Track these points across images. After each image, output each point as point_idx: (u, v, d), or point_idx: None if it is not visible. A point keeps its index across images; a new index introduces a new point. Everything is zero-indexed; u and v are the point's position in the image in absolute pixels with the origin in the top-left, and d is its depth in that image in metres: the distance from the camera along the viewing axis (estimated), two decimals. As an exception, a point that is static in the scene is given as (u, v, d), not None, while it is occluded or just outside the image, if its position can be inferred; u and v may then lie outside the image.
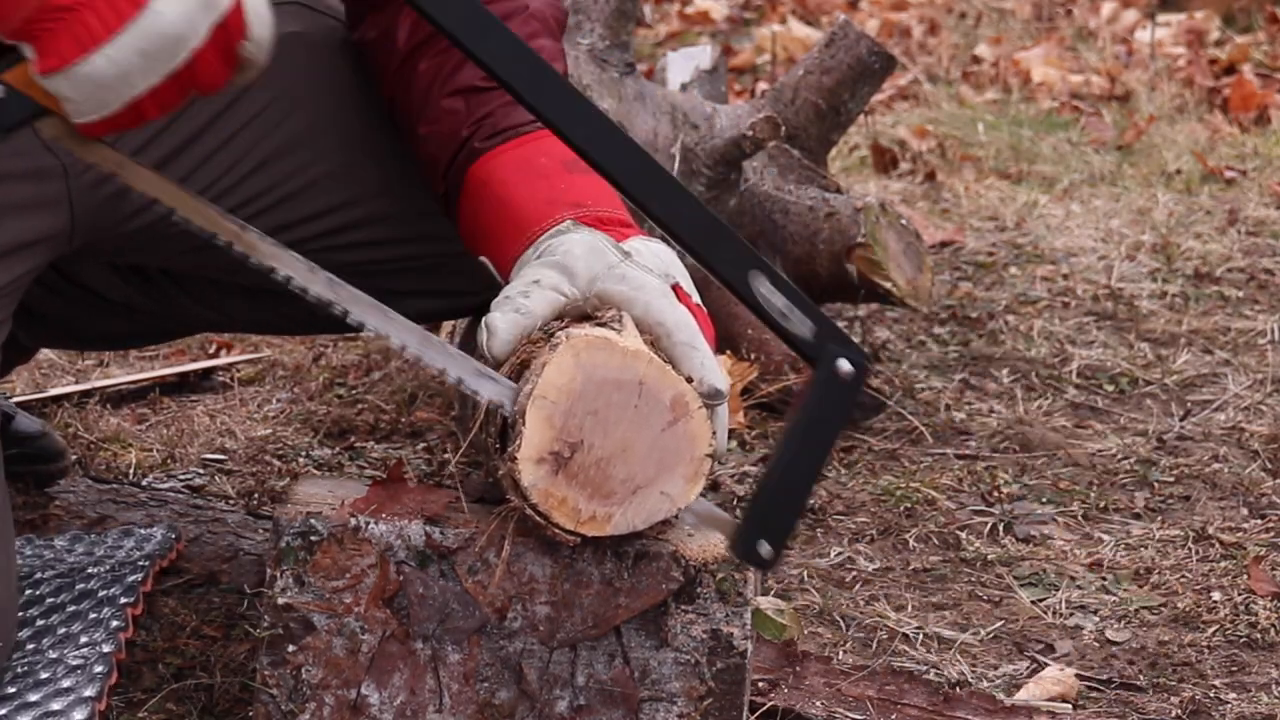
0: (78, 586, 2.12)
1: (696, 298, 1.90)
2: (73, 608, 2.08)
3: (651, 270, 1.87)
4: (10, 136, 1.73)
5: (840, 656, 2.28)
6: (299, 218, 2.08)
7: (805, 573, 2.54)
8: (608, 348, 1.71)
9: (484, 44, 1.73)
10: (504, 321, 1.81)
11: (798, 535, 2.85)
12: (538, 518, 1.72)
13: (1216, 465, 3.00)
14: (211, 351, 3.35)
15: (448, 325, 3.04)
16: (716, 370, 1.80)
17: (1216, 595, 2.52)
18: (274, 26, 1.72)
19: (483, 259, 1.96)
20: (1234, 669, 2.33)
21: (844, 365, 1.74)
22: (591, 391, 1.71)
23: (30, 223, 1.95)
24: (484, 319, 1.84)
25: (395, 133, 2.11)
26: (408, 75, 2.05)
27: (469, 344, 2.54)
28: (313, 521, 1.78)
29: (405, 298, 2.18)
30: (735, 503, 2.77)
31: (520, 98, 1.75)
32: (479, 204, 1.98)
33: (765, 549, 1.75)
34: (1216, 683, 2.29)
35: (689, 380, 1.76)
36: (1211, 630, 2.43)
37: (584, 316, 1.83)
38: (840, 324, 3.54)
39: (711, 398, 1.78)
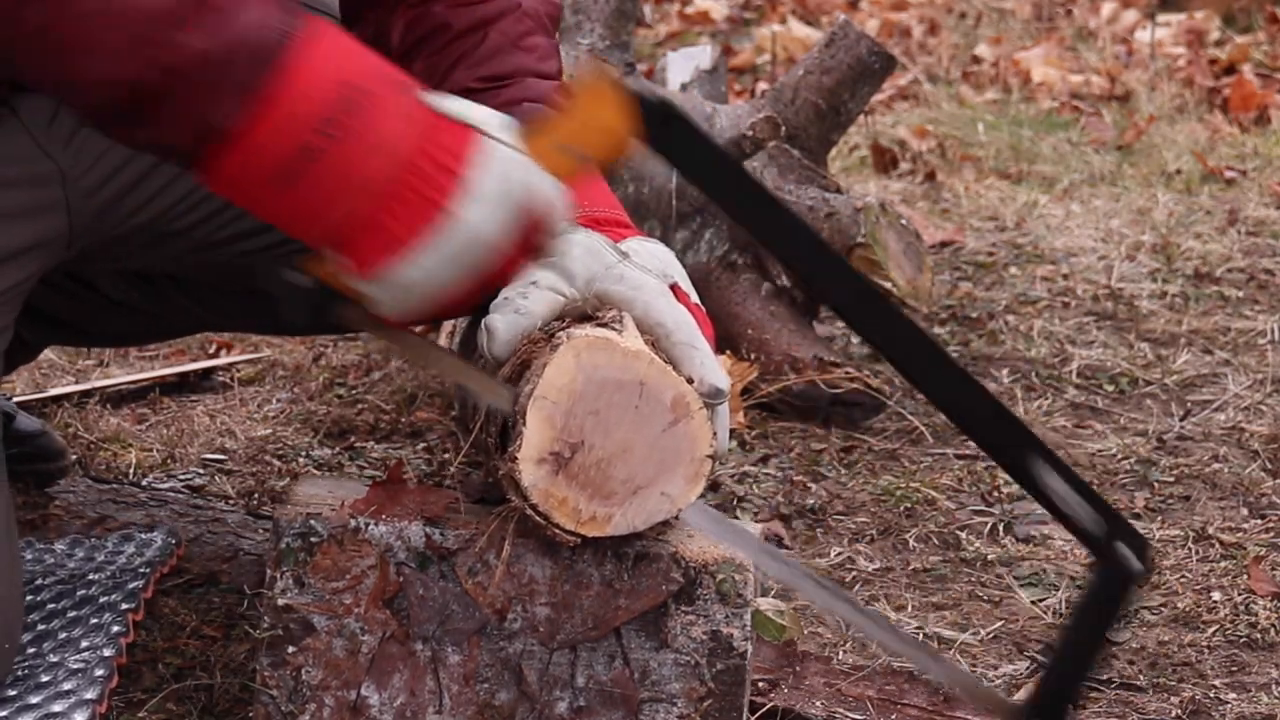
0: (78, 593, 2.12)
1: (695, 297, 1.90)
2: (73, 613, 2.08)
3: (650, 270, 1.87)
4: (317, 324, 1.72)
5: (840, 656, 2.28)
6: None
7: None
8: (608, 348, 1.71)
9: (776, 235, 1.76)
10: (503, 322, 1.81)
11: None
12: (538, 518, 1.72)
13: (1216, 465, 3.00)
14: (211, 351, 3.35)
15: (448, 325, 3.04)
16: (717, 369, 1.81)
17: (1216, 595, 2.52)
18: (567, 208, 1.72)
19: None
20: (1234, 669, 2.33)
21: (1131, 560, 1.76)
22: (592, 392, 1.71)
23: (29, 228, 1.95)
24: (483, 320, 1.84)
25: None
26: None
27: (469, 344, 2.54)
28: (313, 522, 1.78)
29: None
30: (736, 503, 2.77)
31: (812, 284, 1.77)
32: None
33: None
34: (1216, 683, 2.29)
35: (689, 380, 1.76)
36: (1211, 630, 2.43)
37: (585, 317, 1.83)
38: (841, 324, 3.54)
39: (712, 397, 1.78)
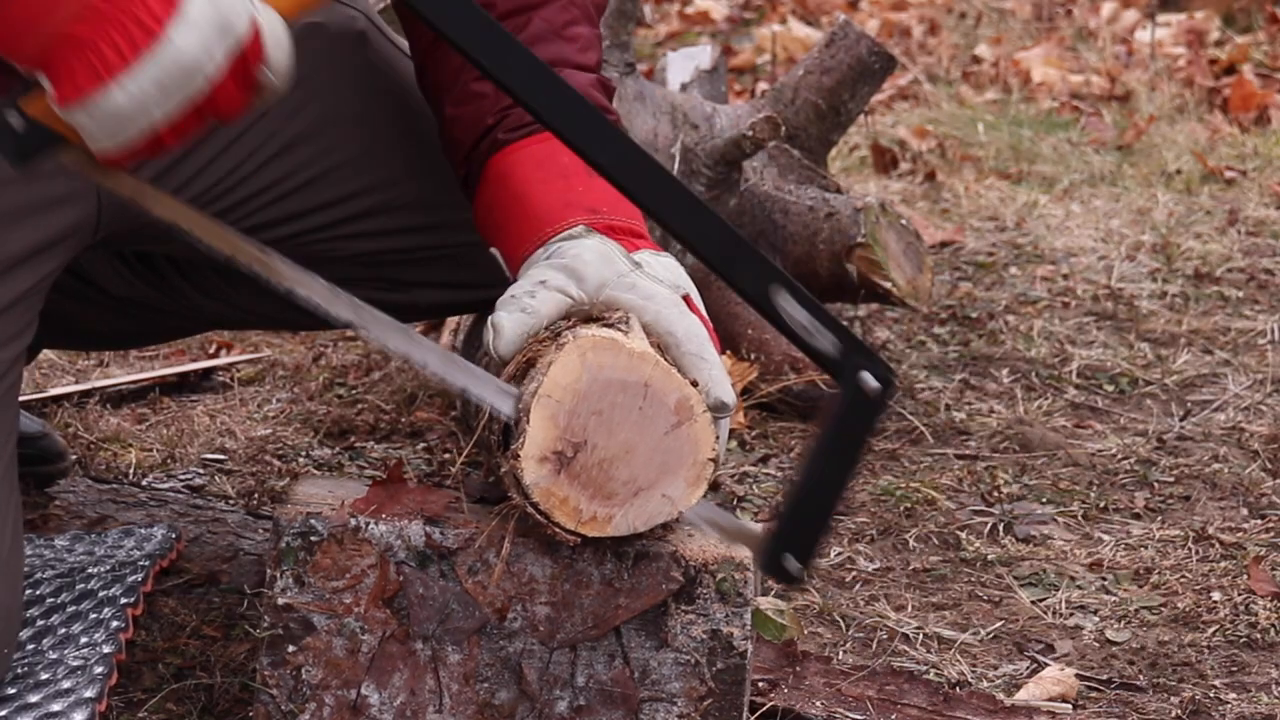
0: (78, 586, 2.12)
1: (704, 312, 1.90)
2: (73, 608, 2.07)
3: (662, 281, 1.87)
4: (30, 167, 1.72)
5: (840, 656, 2.28)
6: (314, 205, 2.09)
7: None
8: (614, 349, 1.71)
9: (481, 45, 1.73)
10: (510, 321, 1.81)
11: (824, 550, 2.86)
12: (539, 517, 1.72)
13: (1216, 465, 3.00)
14: (211, 351, 3.35)
15: (451, 322, 3.04)
16: (725, 383, 1.80)
17: (1216, 595, 2.52)
18: (292, 50, 1.71)
19: (494, 251, 1.96)
20: (1234, 669, 2.33)
21: (869, 380, 1.74)
22: (596, 392, 1.71)
23: (61, 217, 1.95)
24: (490, 318, 1.84)
25: (415, 120, 2.10)
26: (439, 52, 2.04)
27: (474, 342, 2.54)
28: (313, 522, 1.78)
29: (417, 288, 2.18)
30: (736, 503, 2.77)
31: (526, 104, 1.75)
32: (496, 196, 1.98)
33: (792, 564, 1.75)
34: (1216, 683, 2.29)
35: (694, 385, 1.75)
36: (1211, 630, 2.43)
37: (591, 318, 1.83)
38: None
39: (718, 410, 1.77)
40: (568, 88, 1.74)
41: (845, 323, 1.75)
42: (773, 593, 2.42)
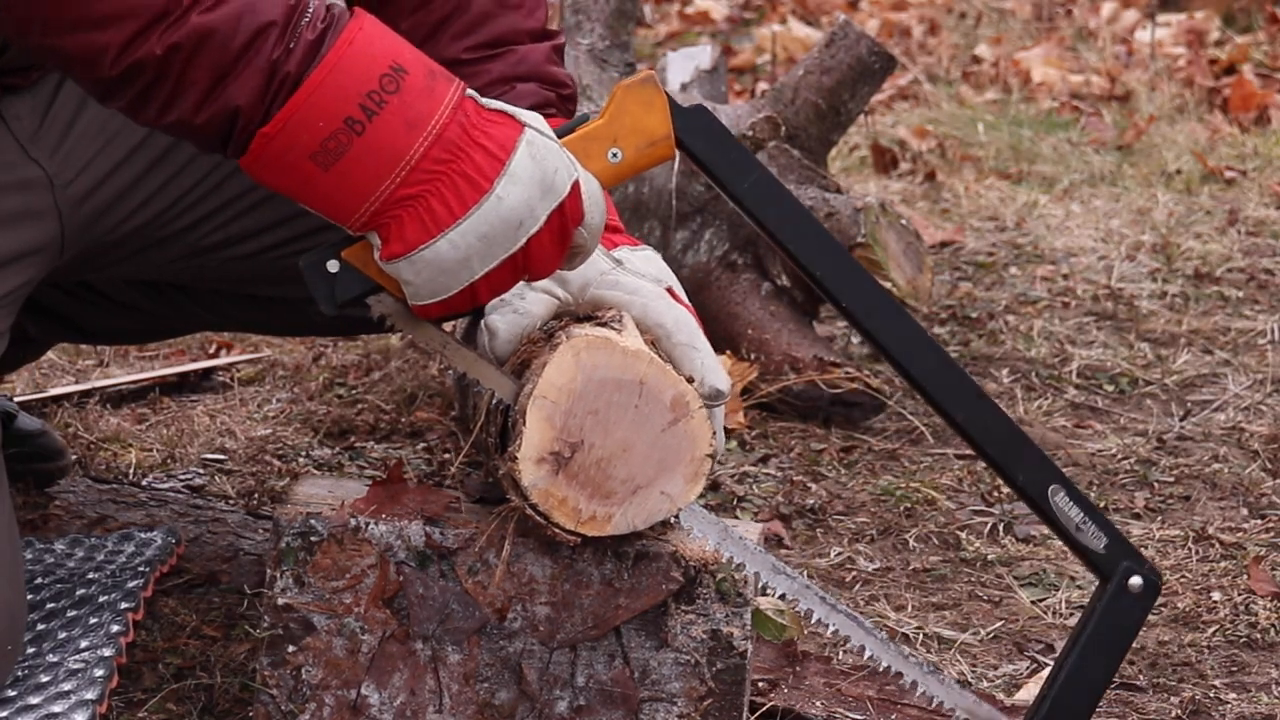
0: (78, 592, 2.12)
1: (687, 301, 1.90)
2: (72, 613, 2.07)
3: (644, 275, 1.87)
4: (342, 310, 1.72)
5: (840, 656, 2.28)
6: (283, 216, 2.08)
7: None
8: (608, 347, 1.71)
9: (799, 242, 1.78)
10: (504, 322, 1.82)
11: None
12: (538, 518, 1.72)
13: (1216, 465, 3.00)
14: (211, 351, 3.35)
15: (446, 326, 3.04)
16: (718, 370, 1.81)
17: (1216, 595, 2.52)
18: (605, 214, 1.73)
19: None
20: (1234, 669, 2.33)
21: (1135, 580, 1.78)
22: (592, 391, 1.71)
23: (21, 235, 1.95)
24: (483, 322, 1.84)
25: None
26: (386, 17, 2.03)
27: (469, 345, 2.54)
28: (313, 522, 1.78)
29: None
30: (736, 503, 2.77)
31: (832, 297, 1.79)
32: None
33: None
34: (1216, 683, 2.29)
35: (690, 380, 1.76)
36: (1211, 630, 2.43)
37: (584, 317, 1.83)
38: (841, 323, 3.54)
39: (713, 398, 1.78)
40: (861, 270, 1.78)
41: (1114, 525, 1.79)
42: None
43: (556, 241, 1.69)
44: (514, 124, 1.67)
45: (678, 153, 1.77)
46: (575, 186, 1.68)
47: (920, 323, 1.79)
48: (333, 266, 1.70)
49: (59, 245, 1.99)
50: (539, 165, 1.66)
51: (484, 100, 1.68)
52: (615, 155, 1.75)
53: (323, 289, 1.70)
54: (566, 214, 1.68)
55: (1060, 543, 1.82)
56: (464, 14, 2.01)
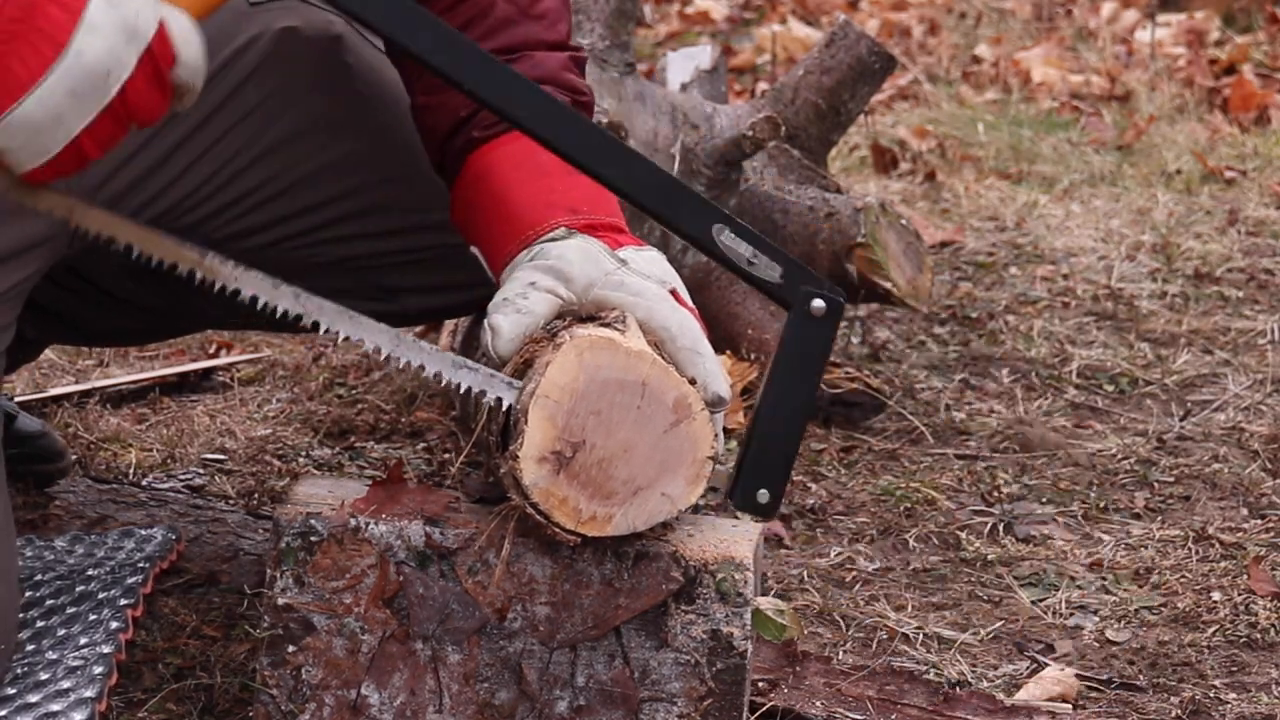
0: (77, 588, 2.12)
1: (691, 304, 1.90)
2: (72, 609, 2.07)
3: (649, 276, 1.87)
4: None
5: (840, 656, 2.28)
6: (296, 210, 2.08)
7: (805, 573, 2.54)
8: (611, 348, 1.71)
9: (419, 39, 1.75)
10: (507, 321, 1.82)
11: (791, 480, 2.85)
12: (538, 517, 1.72)
13: (1216, 465, 3.00)
14: (211, 351, 3.35)
15: (449, 324, 3.04)
16: (720, 376, 1.80)
17: (1216, 595, 2.52)
18: (203, 48, 1.71)
19: (474, 249, 1.96)
20: (1234, 669, 2.33)
21: (817, 302, 1.76)
22: (594, 391, 1.71)
23: (30, 226, 1.95)
24: (485, 320, 1.84)
25: (394, 122, 2.10)
26: None
27: (471, 345, 2.54)
28: (313, 522, 1.78)
29: (404, 294, 2.18)
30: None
31: (460, 86, 1.77)
32: (476, 196, 1.97)
33: (764, 495, 1.77)
34: (1216, 683, 2.29)
35: (692, 383, 1.75)
36: (1211, 630, 2.42)
37: (589, 317, 1.83)
38: (841, 324, 3.53)
39: (714, 404, 1.78)
40: (485, 55, 1.76)
41: (788, 252, 1.77)
42: (773, 592, 2.42)
43: (153, 85, 1.68)
44: None
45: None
46: (162, 26, 1.67)
47: (551, 95, 1.79)
48: None
49: (68, 235, 2.00)
50: (117, 10, 1.65)
51: None
52: None
53: None
54: (157, 56, 1.67)
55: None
56: (485, 19, 2.02)
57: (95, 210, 1.79)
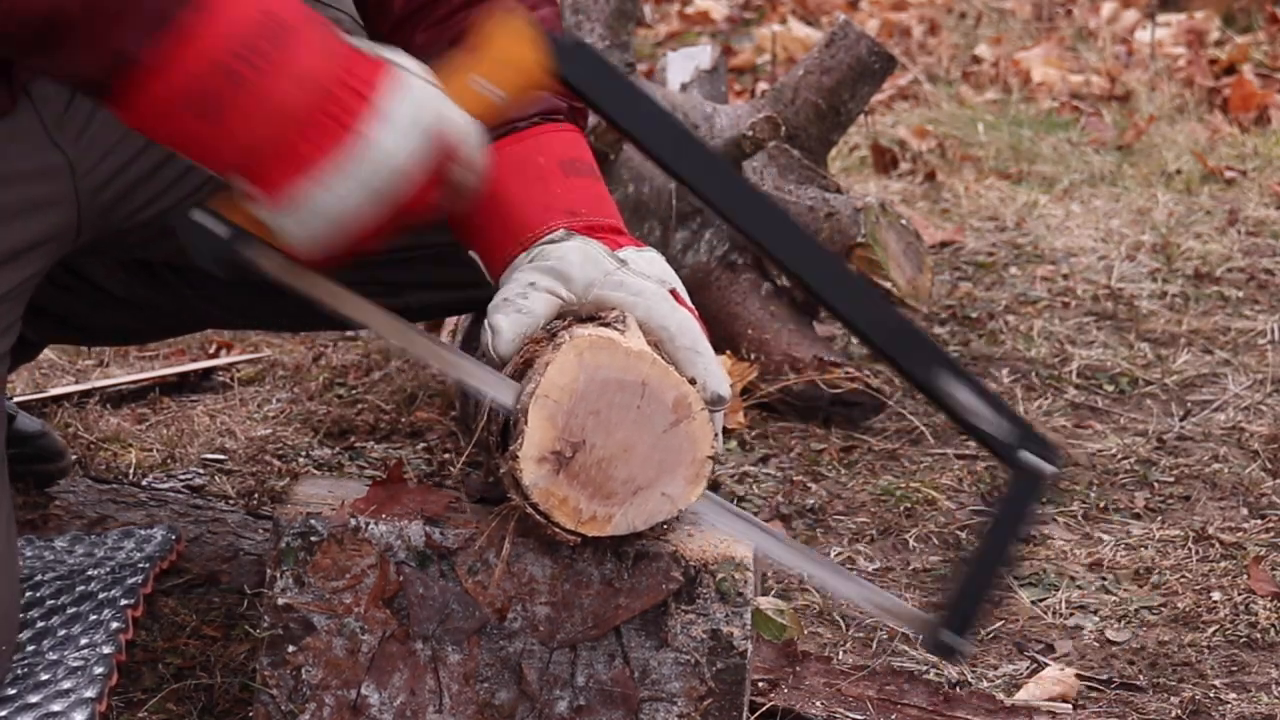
0: (78, 588, 2.12)
1: (691, 304, 1.90)
2: (73, 609, 2.07)
3: (648, 276, 1.87)
4: (232, 273, 1.71)
5: (840, 656, 2.28)
6: None
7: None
8: (611, 348, 1.71)
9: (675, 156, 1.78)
10: (507, 321, 1.82)
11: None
12: (538, 517, 1.72)
13: (1216, 465, 3.00)
14: (211, 351, 3.35)
15: (449, 323, 3.05)
16: (720, 375, 1.81)
17: (1216, 595, 2.52)
18: (485, 150, 1.72)
19: (471, 254, 1.96)
20: (1234, 669, 2.33)
21: (1039, 463, 1.79)
22: (594, 391, 1.71)
23: (39, 222, 1.95)
24: (486, 320, 1.84)
25: None
26: (401, 44, 2.04)
27: (472, 344, 2.54)
28: (313, 522, 1.78)
29: (408, 290, 2.18)
30: (736, 502, 2.77)
31: (718, 212, 1.79)
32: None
33: (955, 640, 1.80)
34: (1216, 683, 2.29)
35: (691, 383, 1.75)
36: (1211, 630, 2.43)
37: (588, 317, 1.83)
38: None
39: (714, 404, 1.78)
40: (763, 199, 1.79)
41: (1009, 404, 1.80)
42: (773, 592, 2.42)
43: (434, 182, 1.69)
44: (383, 64, 1.66)
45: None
46: (449, 125, 1.67)
47: (800, 226, 1.81)
48: (218, 227, 1.68)
49: (74, 232, 2.00)
50: (410, 106, 1.65)
51: (356, 41, 1.68)
52: (491, 90, 1.72)
53: (209, 248, 1.69)
54: (442, 154, 1.68)
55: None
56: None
57: (357, 299, 1.78)
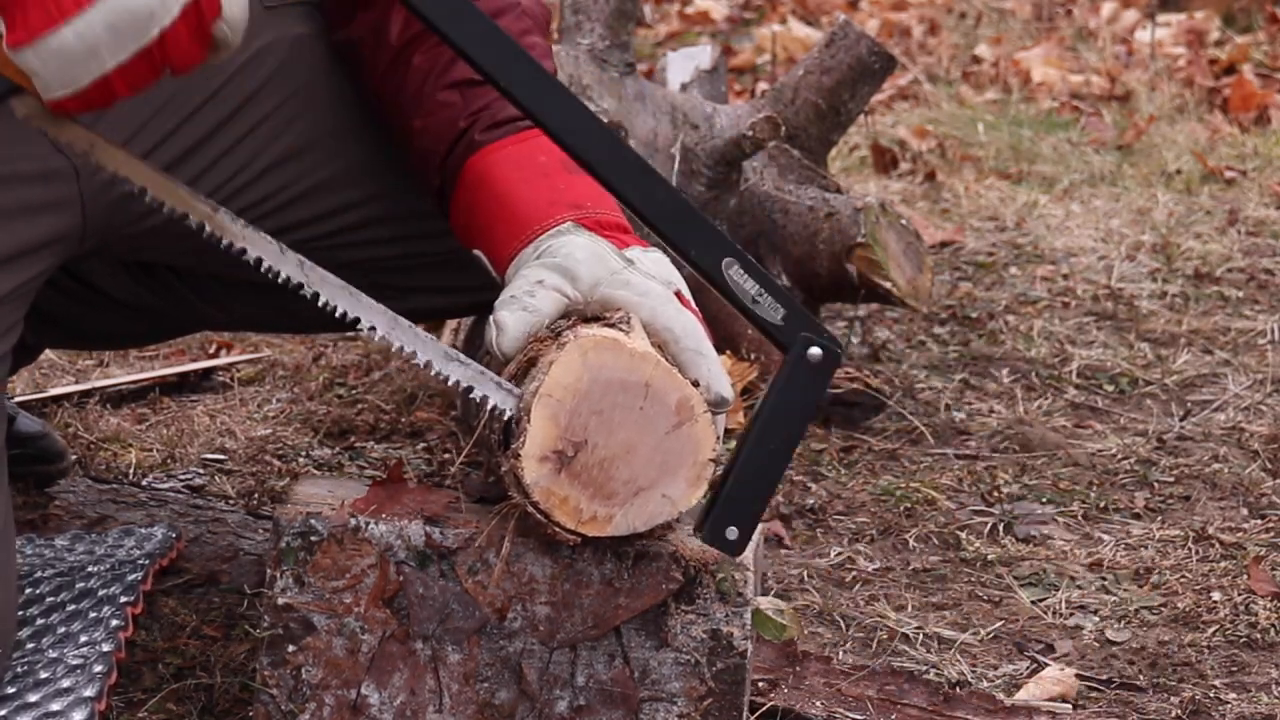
0: (78, 585, 2.12)
1: (695, 306, 1.91)
2: (72, 607, 2.07)
3: (654, 277, 1.87)
4: None
5: (840, 656, 2.28)
6: (310, 217, 2.08)
7: (805, 573, 2.54)
8: (615, 348, 1.71)
9: (466, 34, 1.75)
10: (512, 319, 1.82)
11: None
12: (539, 516, 1.72)
13: (1216, 465, 3.00)
14: (211, 351, 3.35)
15: (451, 323, 3.04)
16: (723, 378, 1.81)
17: (1216, 595, 2.52)
18: (248, 6, 1.71)
19: (477, 253, 1.96)
20: (1234, 669, 2.33)
21: (814, 350, 1.75)
22: (597, 391, 1.71)
23: (42, 225, 1.95)
24: (491, 317, 1.84)
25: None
26: (400, 71, 2.04)
27: (476, 343, 2.54)
28: (313, 521, 1.78)
29: (414, 294, 2.18)
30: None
31: (499, 86, 1.76)
32: (476, 198, 1.98)
33: (733, 533, 1.76)
34: (1216, 683, 2.29)
35: (695, 385, 1.76)
36: (1211, 630, 2.43)
37: (593, 317, 1.83)
38: (840, 324, 3.54)
39: (717, 405, 1.78)
40: (530, 61, 1.76)
41: (793, 296, 1.77)
42: (773, 592, 2.42)
43: (194, 35, 1.68)
44: None
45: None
46: None
47: (585, 104, 1.79)
48: None
49: (80, 235, 2.00)
50: None
51: None
52: None
53: None
54: (203, 7, 1.67)
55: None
56: None
57: (114, 148, 1.79)
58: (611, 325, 1.78)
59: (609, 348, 1.71)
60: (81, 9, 1.64)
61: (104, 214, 2.00)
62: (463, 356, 1.80)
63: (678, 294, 1.87)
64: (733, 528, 1.76)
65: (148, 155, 1.97)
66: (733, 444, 2.64)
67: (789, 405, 1.76)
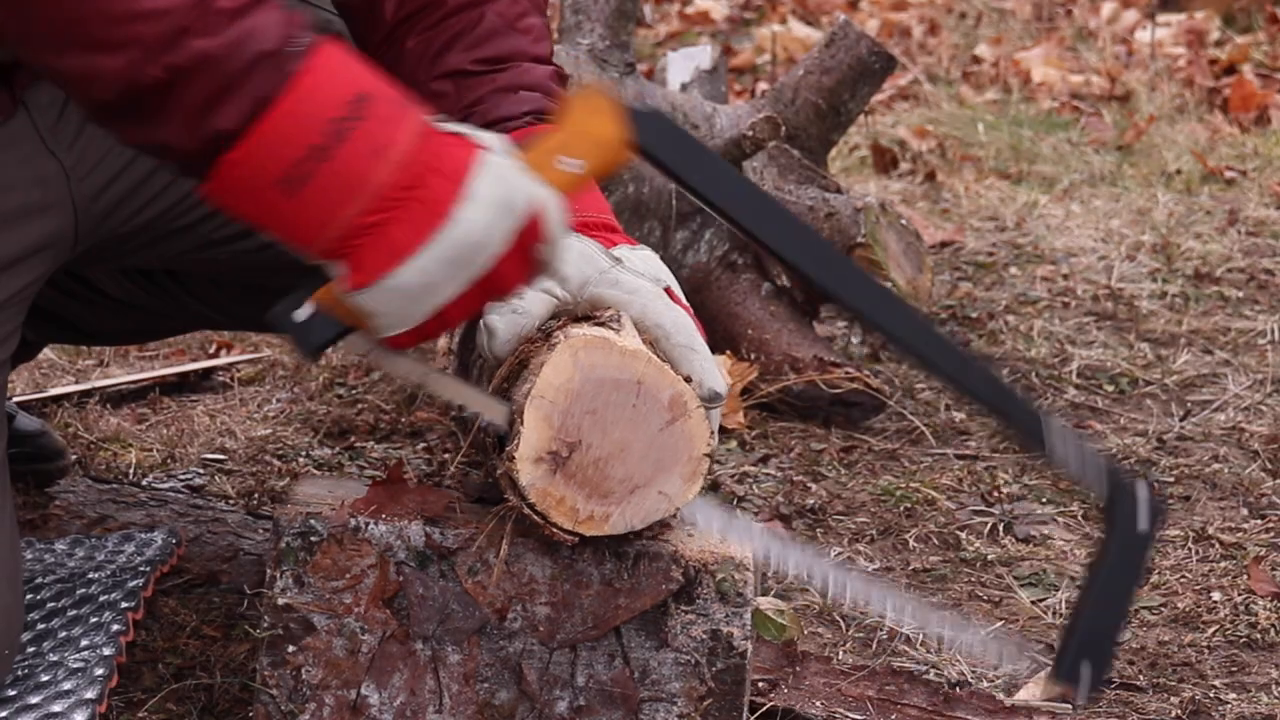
0: (78, 591, 2.12)
1: (686, 302, 1.91)
2: (73, 612, 2.08)
3: (643, 274, 1.87)
4: (317, 358, 1.72)
5: (840, 656, 2.28)
6: None
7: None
8: (606, 347, 1.71)
9: (762, 224, 1.77)
10: (503, 322, 1.82)
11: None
12: (536, 517, 1.72)
13: (1216, 465, 3.00)
14: (211, 351, 3.35)
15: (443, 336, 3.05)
16: (715, 372, 1.81)
17: (1216, 595, 2.52)
18: (565, 224, 1.72)
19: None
20: (1234, 669, 2.33)
21: (1140, 523, 1.77)
22: (589, 391, 1.71)
23: (37, 228, 1.95)
24: (482, 321, 1.84)
25: None
26: (394, 51, 2.04)
27: (468, 345, 2.54)
28: (313, 522, 1.78)
29: None
30: (736, 503, 2.77)
31: (808, 278, 1.78)
32: None
33: (1086, 670, 1.79)
34: (1216, 683, 2.29)
35: (687, 380, 1.76)
36: (1211, 630, 2.43)
37: (583, 317, 1.83)
38: (840, 324, 3.54)
39: (710, 400, 1.78)
40: (849, 263, 1.80)
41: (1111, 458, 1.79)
42: (773, 592, 2.42)
43: (520, 260, 1.69)
44: (470, 146, 1.66)
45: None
46: (535, 204, 1.68)
47: (919, 310, 1.80)
48: (300, 315, 1.69)
49: (72, 239, 2.00)
50: (498, 186, 1.65)
51: (442, 124, 1.68)
52: (573, 165, 1.73)
53: (298, 338, 1.69)
54: (528, 232, 1.68)
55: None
56: (473, 30, 2.02)
57: (448, 378, 1.79)
58: (602, 324, 1.78)
59: (599, 347, 1.71)
60: (422, 245, 1.63)
61: (94, 217, 2.00)
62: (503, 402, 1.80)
63: (668, 290, 1.87)
64: (1087, 665, 1.79)
65: (134, 160, 1.97)
66: (732, 443, 2.64)
67: (1118, 570, 1.78)
